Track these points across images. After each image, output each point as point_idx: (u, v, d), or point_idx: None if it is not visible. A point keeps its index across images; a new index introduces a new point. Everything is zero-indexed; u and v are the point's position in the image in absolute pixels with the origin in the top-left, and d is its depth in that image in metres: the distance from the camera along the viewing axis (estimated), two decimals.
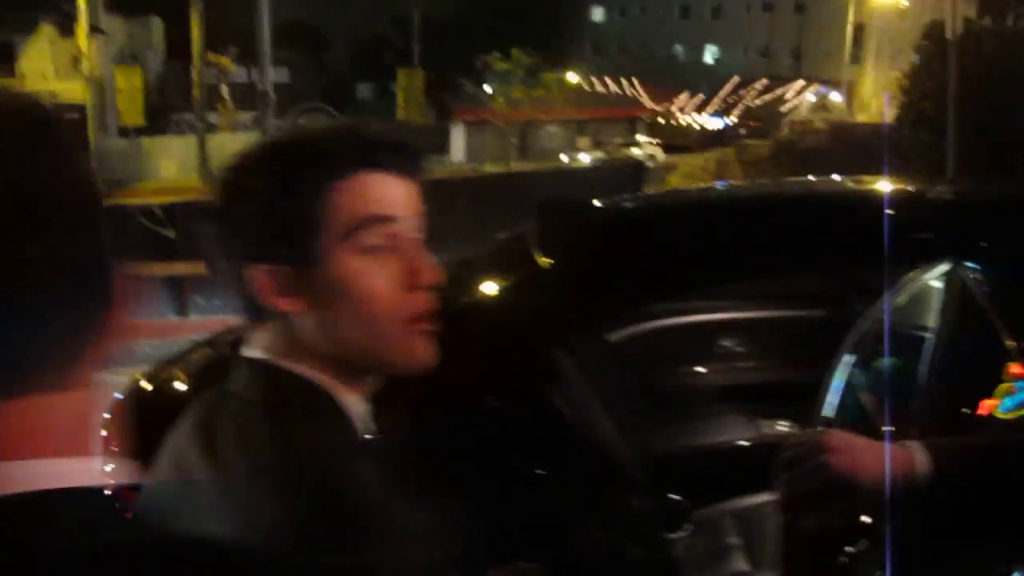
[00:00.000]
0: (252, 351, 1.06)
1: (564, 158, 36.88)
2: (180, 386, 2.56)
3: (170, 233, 12.94)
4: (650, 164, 32.15)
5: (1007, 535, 1.01)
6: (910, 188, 2.65)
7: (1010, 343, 1.57)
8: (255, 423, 1.00)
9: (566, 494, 2.11)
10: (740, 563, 2.57)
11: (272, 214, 0.99)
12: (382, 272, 1.00)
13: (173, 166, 34.84)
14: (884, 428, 1.50)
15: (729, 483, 2.70)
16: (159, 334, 9.71)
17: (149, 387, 2.59)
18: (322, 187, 0.98)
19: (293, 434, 0.99)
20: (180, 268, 12.12)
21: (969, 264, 1.80)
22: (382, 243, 1.00)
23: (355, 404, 1.07)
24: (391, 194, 1.02)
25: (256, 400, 1.03)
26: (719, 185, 6.55)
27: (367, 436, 1.08)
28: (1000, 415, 1.53)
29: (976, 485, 0.91)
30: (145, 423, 2.41)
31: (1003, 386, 1.54)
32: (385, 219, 1.00)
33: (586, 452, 2.26)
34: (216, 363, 2.76)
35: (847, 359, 1.61)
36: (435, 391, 2.08)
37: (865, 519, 1.08)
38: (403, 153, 1.03)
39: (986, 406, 1.60)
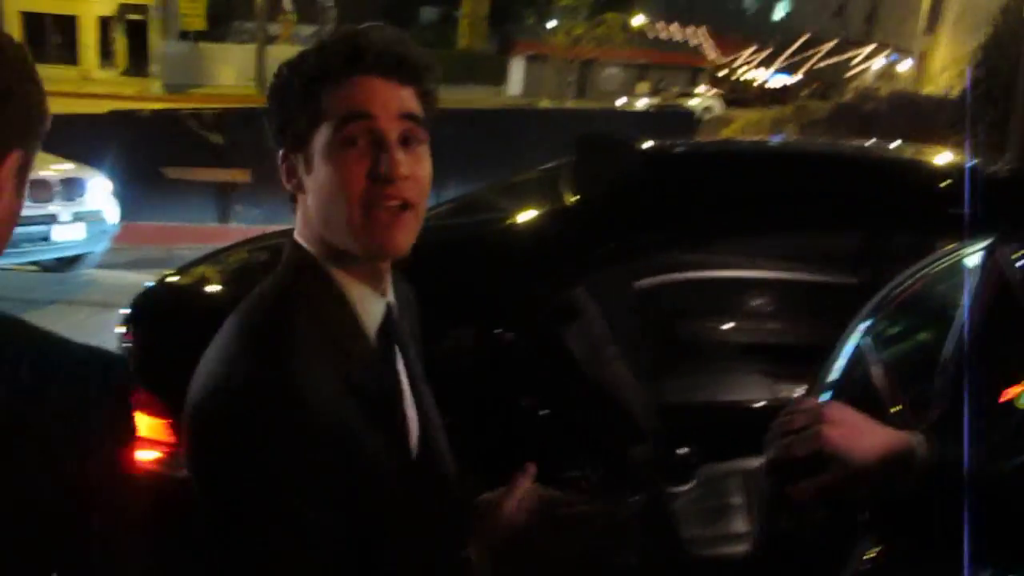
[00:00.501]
0: (294, 232, 1.23)
1: (622, 101, 36.43)
2: (208, 282, 2.56)
3: (217, 138, 12.96)
4: (706, 116, 31.64)
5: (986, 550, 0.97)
6: (964, 162, 2.56)
7: None
8: (263, 293, 1.18)
9: (568, 433, 2.09)
10: (740, 523, 2.56)
11: (284, 108, 1.18)
12: (355, 161, 1.13)
13: (231, 73, 34.96)
14: (889, 399, 1.47)
15: (741, 442, 2.67)
16: (198, 239, 9.84)
17: (177, 282, 2.60)
18: (319, 87, 1.15)
19: (286, 301, 1.15)
20: (225, 174, 12.18)
21: (1011, 245, 1.74)
22: (359, 136, 1.13)
23: (356, 289, 1.19)
24: (374, 94, 1.15)
25: (276, 273, 1.21)
26: (771, 140, 6.43)
27: (365, 320, 1.19)
28: (1021, 405, 1.48)
29: (961, 498, 0.88)
30: (166, 313, 2.43)
31: None
32: (364, 115, 1.13)
33: (593, 394, 2.24)
34: (250, 266, 2.77)
35: (864, 324, 1.56)
36: (445, 312, 2.06)
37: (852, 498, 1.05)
38: (394, 60, 1.16)
39: (1008, 394, 1.55)
